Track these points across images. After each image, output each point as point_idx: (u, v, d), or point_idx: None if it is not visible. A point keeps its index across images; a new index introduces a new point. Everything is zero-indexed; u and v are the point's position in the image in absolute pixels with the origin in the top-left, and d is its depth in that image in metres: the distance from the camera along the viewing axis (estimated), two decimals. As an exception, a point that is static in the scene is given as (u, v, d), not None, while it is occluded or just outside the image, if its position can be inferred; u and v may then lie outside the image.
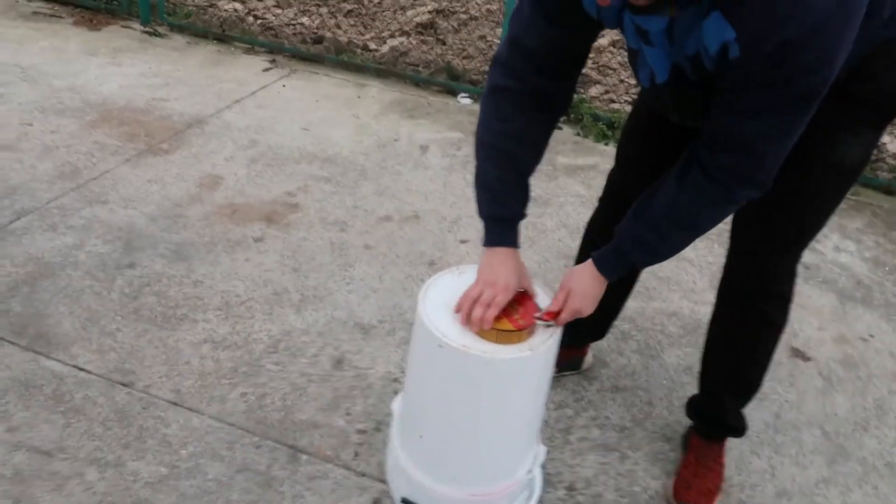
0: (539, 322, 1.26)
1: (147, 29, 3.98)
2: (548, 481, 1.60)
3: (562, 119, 3.42)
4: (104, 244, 2.21)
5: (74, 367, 1.76)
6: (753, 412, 1.85)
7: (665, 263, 2.41)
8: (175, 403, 1.70)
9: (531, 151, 1.28)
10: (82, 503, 1.45)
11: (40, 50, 3.56)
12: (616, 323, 2.11)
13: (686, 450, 1.68)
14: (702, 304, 2.19)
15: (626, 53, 1.30)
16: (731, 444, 1.74)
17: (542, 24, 1.16)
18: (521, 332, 1.23)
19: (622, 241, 1.25)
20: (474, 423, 1.31)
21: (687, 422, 1.75)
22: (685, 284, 2.34)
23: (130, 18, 4.09)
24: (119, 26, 4.00)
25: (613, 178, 1.60)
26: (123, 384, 1.73)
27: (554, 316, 1.27)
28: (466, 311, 1.23)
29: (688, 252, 2.50)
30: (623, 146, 1.58)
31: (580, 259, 1.75)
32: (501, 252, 1.29)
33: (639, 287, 2.29)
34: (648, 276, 2.35)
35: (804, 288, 2.39)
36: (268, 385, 1.77)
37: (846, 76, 1.16)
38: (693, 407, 1.67)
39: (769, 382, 1.97)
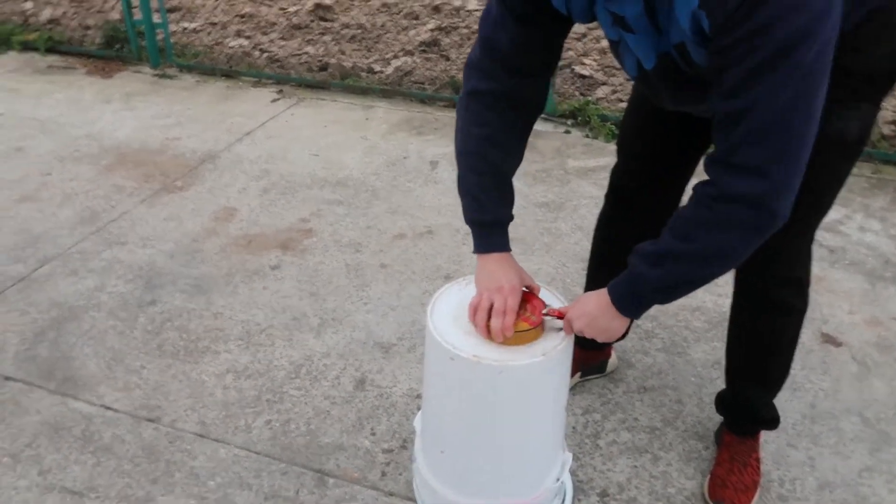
0: (546, 318, 1.25)
1: (157, 72, 4.07)
2: (579, 489, 1.57)
3: (569, 122, 3.42)
4: (125, 284, 2.25)
5: (102, 406, 1.79)
6: (788, 403, 1.81)
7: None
8: (201, 435, 1.70)
9: (509, 154, 1.28)
10: (115, 541, 1.46)
11: (56, 102, 3.66)
12: (638, 322, 2.08)
13: (719, 447, 1.64)
14: (726, 297, 2.11)
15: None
16: (767, 437, 1.70)
17: (511, 24, 1.15)
18: (537, 330, 1.22)
19: (633, 263, 1.15)
20: (493, 434, 1.30)
21: (719, 418, 1.71)
22: (707, 278, 2.29)
23: (141, 63, 4.19)
24: (130, 72, 4.10)
25: (617, 173, 1.58)
26: (150, 420, 1.75)
27: (562, 315, 1.26)
28: (483, 325, 1.22)
29: (707, 245, 2.46)
30: (622, 140, 1.56)
31: (592, 262, 1.73)
32: (495, 257, 1.28)
33: (659, 284, 2.26)
34: (669, 273, 2.31)
35: (831, 272, 2.33)
36: (292, 411, 1.78)
37: (837, 49, 1.13)
38: (722, 402, 1.63)
39: (802, 371, 1.92)
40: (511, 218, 1.32)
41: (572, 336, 1.27)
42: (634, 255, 1.16)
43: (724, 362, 1.60)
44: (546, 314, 1.26)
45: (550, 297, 1.33)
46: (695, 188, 1.08)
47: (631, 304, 1.19)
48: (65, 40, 4.43)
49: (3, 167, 2.97)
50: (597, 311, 1.21)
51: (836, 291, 2.24)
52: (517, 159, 1.31)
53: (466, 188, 1.28)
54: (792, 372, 1.89)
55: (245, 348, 1.98)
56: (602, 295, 1.20)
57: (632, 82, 1.53)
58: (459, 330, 1.26)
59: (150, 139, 3.24)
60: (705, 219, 1.05)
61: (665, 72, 1.12)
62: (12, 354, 1.95)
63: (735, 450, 1.59)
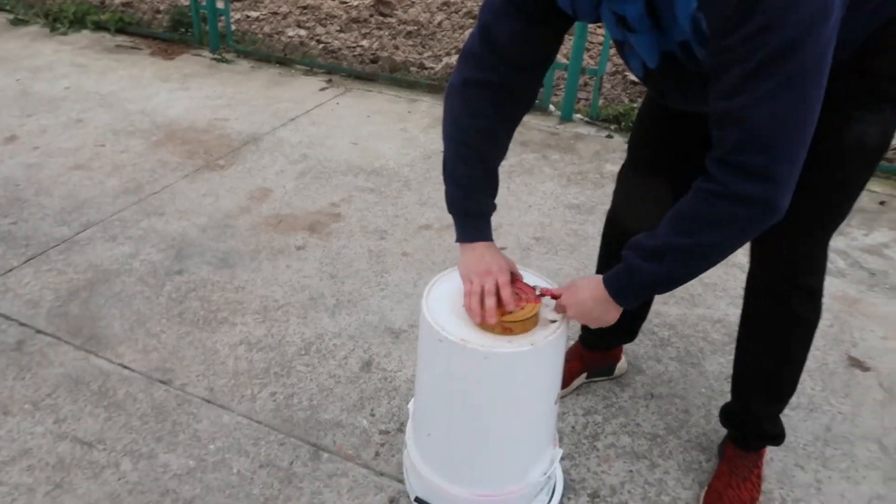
0: (541, 297, 1.26)
1: (216, 56, 4.20)
2: (570, 487, 1.56)
3: (612, 127, 3.37)
4: (157, 253, 2.34)
5: (120, 365, 1.86)
6: (801, 423, 1.75)
7: (713, 269, 2.32)
8: (208, 401, 1.76)
9: (499, 147, 1.29)
10: (115, 491, 1.52)
11: (119, 79, 3.82)
12: (655, 329, 2.05)
13: (721, 460, 1.60)
14: (750, 311, 2.08)
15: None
16: (774, 455, 1.65)
17: (514, 17, 1.14)
18: (534, 318, 1.23)
19: (627, 257, 1.15)
20: (477, 421, 1.30)
21: (724, 433, 1.66)
22: (733, 290, 2.23)
23: (201, 47, 4.33)
24: (190, 55, 4.25)
25: (624, 174, 1.57)
26: (162, 382, 1.81)
27: (556, 295, 1.26)
28: (478, 310, 1.22)
29: (739, 257, 2.39)
30: (632, 143, 1.55)
31: (600, 263, 1.72)
32: (480, 245, 1.30)
33: (682, 293, 2.22)
34: (693, 283, 2.26)
35: (868, 295, 2.24)
36: (297, 385, 1.81)
37: (859, 50, 1.09)
38: (726, 414, 1.59)
39: (821, 393, 1.85)
40: (495, 207, 1.33)
41: (565, 327, 1.26)
42: (629, 248, 1.15)
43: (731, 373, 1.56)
44: (540, 294, 1.26)
45: (538, 281, 1.33)
46: (695, 184, 1.06)
47: (626, 295, 1.18)
48: (134, 22, 4.62)
49: (63, 136, 3.13)
50: (591, 302, 1.21)
51: (871, 315, 2.15)
52: (504, 151, 1.32)
53: (454, 178, 1.29)
54: (811, 392, 1.84)
55: (261, 322, 2.03)
56: (598, 286, 1.19)
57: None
58: (453, 314, 1.27)
59: (199, 119, 3.35)
60: (706, 215, 1.04)
61: (669, 70, 1.11)
62: (46, 310, 2.05)
63: (736, 463, 1.54)
